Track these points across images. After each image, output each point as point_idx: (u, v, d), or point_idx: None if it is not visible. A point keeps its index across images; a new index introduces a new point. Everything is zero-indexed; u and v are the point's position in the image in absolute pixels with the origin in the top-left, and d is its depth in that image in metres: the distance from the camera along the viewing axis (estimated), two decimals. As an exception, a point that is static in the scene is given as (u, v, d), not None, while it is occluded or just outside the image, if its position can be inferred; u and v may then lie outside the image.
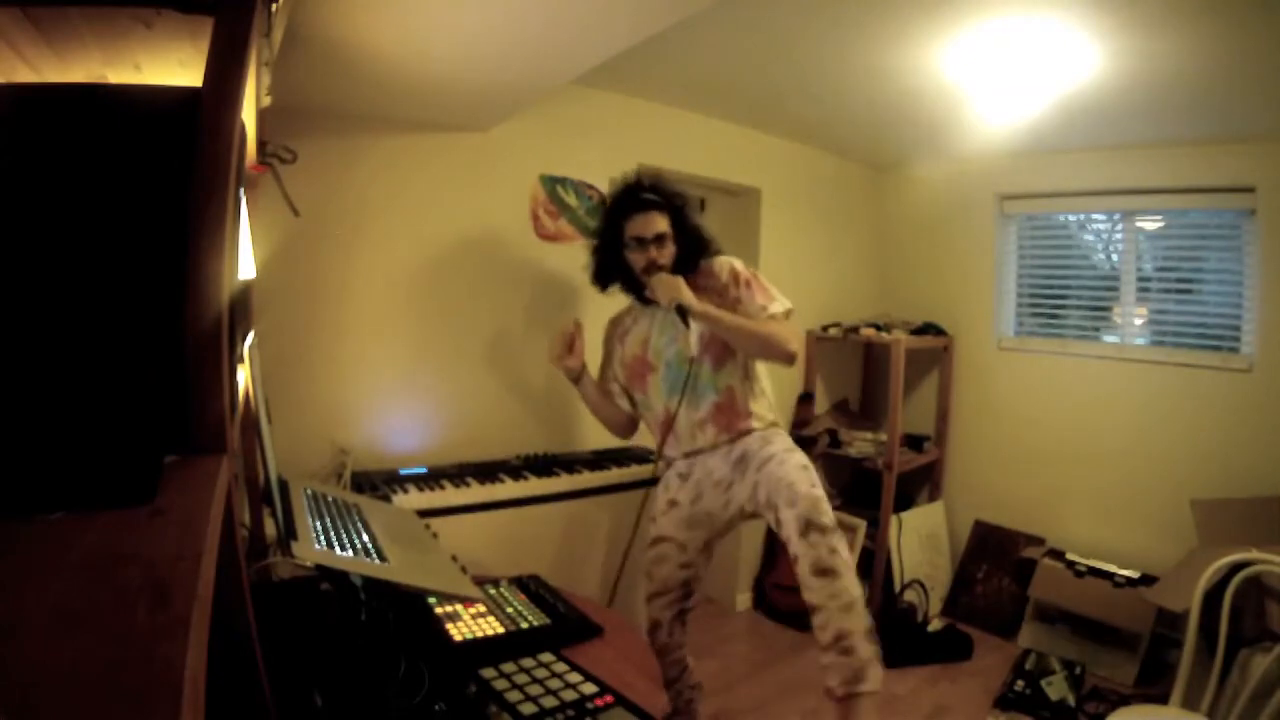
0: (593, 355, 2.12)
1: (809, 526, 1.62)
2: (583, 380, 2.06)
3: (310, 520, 1.20)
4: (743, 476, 1.84)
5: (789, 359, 1.83)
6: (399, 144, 2.24)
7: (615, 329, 2.10)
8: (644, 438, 2.76)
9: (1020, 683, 2.55)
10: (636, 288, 1.96)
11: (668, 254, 1.90)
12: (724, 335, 1.84)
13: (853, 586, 1.61)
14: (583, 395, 2.11)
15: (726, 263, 1.94)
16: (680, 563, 1.94)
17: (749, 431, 1.91)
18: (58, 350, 0.61)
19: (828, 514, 1.65)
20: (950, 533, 3.47)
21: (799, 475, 1.72)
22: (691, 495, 1.94)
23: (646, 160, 2.82)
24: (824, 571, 1.59)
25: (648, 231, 1.87)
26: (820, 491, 1.70)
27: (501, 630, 1.35)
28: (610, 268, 1.99)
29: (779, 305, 1.88)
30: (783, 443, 1.88)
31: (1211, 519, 2.50)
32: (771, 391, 2.04)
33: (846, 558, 1.63)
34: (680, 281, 1.81)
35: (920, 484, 3.60)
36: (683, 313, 1.80)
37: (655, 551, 1.95)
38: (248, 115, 1.09)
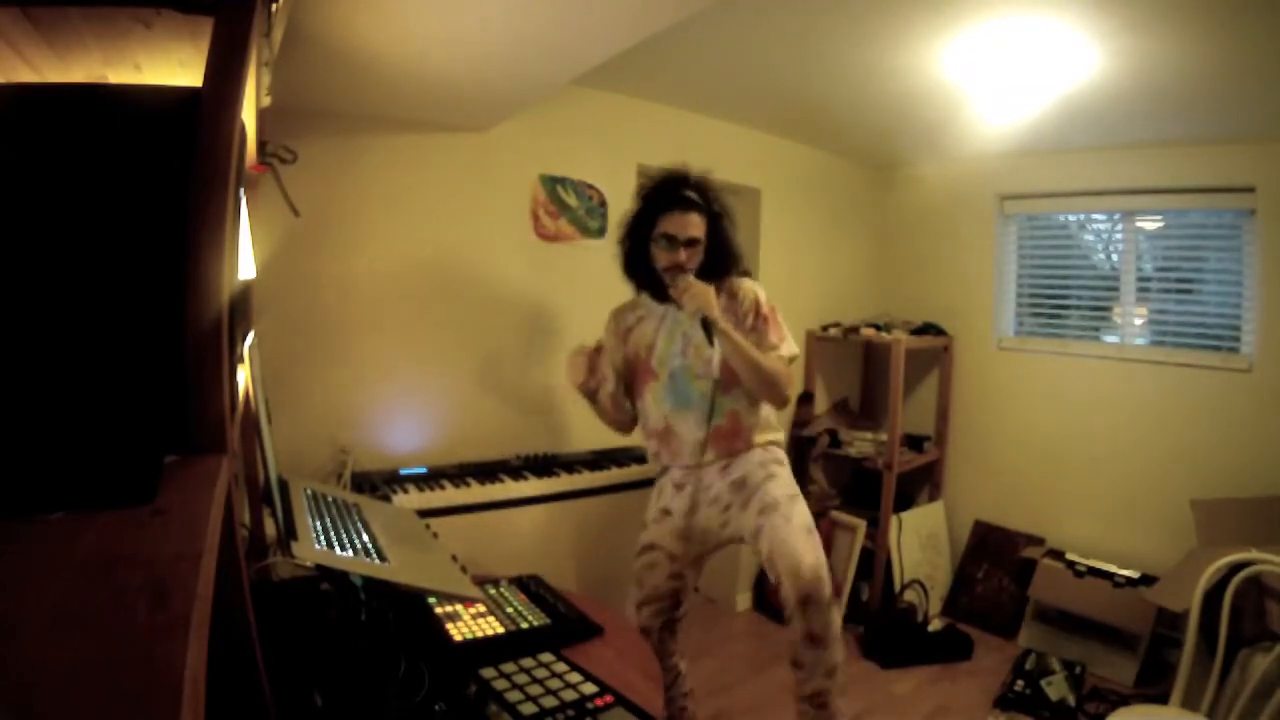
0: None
1: (809, 600, 1.64)
2: (599, 394, 1.97)
3: (310, 520, 1.20)
4: (744, 506, 1.80)
5: (783, 404, 1.85)
6: (399, 144, 2.24)
7: (618, 323, 1.98)
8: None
9: (1020, 683, 2.55)
10: (654, 285, 1.84)
11: (695, 260, 1.78)
12: (735, 361, 1.73)
13: (838, 653, 1.68)
14: (597, 408, 2.01)
15: (752, 289, 1.86)
16: (670, 572, 1.88)
17: (748, 448, 1.87)
18: (58, 350, 0.61)
19: (828, 586, 1.67)
20: (950, 533, 3.47)
21: (804, 543, 1.69)
22: (686, 507, 1.86)
23: (646, 160, 2.82)
24: (816, 641, 1.66)
25: (681, 232, 1.76)
26: (823, 558, 1.70)
27: (501, 630, 1.35)
28: (635, 261, 1.86)
29: (789, 348, 1.83)
30: (784, 482, 1.83)
31: (1211, 519, 2.50)
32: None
33: (838, 628, 1.69)
34: (711, 292, 1.71)
35: (920, 484, 3.60)
36: (707, 327, 1.69)
37: (646, 559, 1.89)
38: (248, 115, 1.09)
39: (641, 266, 1.85)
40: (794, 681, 1.72)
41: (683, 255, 1.76)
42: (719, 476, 1.86)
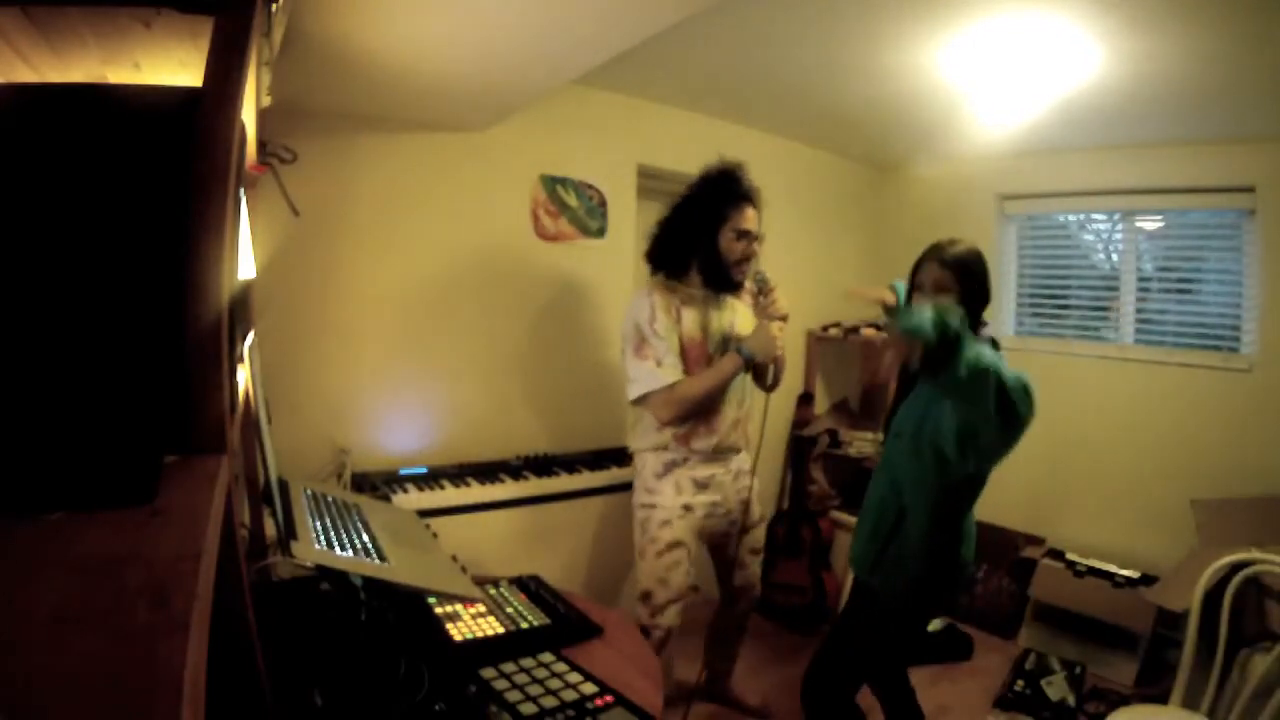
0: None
1: (750, 607, 2.23)
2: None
3: (310, 520, 1.20)
4: (746, 531, 2.09)
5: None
6: (399, 144, 2.24)
7: (672, 297, 1.89)
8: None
9: (1020, 683, 2.55)
10: (711, 269, 1.88)
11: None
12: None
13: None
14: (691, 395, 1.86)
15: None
16: (688, 568, 1.94)
17: (745, 440, 2.04)
18: (58, 350, 0.61)
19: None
20: (950, 533, 3.47)
21: (759, 574, 2.20)
22: (707, 509, 1.94)
23: (646, 160, 2.83)
24: (743, 626, 2.26)
25: (756, 226, 1.88)
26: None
27: (501, 630, 1.35)
28: (691, 248, 1.89)
29: None
30: (758, 501, 2.11)
31: (1211, 519, 2.50)
32: None
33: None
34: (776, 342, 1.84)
35: (920, 484, 3.59)
36: (752, 365, 1.86)
37: (671, 558, 1.90)
38: (248, 115, 1.09)
39: (696, 251, 1.90)
40: (716, 629, 2.26)
41: (755, 248, 1.90)
42: (731, 481, 1.98)
